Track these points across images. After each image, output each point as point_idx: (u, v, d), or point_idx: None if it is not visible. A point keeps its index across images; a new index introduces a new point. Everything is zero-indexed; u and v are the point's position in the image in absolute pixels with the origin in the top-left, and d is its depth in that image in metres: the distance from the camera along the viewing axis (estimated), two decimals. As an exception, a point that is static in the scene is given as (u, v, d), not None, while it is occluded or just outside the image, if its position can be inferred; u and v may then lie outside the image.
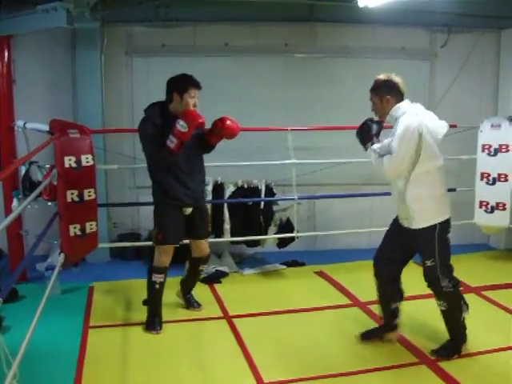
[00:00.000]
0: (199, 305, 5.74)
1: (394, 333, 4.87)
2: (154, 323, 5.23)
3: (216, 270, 6.84)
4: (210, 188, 6.88)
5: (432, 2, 6.89)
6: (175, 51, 7.59)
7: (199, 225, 5.32)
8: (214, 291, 6.26)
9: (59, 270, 5.19)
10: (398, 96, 4.47)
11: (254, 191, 6.93)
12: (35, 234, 5.89)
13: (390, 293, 4.80)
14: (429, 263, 4.45)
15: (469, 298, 5.81)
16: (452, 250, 7.53)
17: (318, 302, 5.83)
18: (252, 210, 6.90)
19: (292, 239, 6.97)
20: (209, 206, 6.85)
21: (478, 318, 5.25)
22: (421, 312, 5.49)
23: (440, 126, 4.45)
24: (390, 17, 7.30)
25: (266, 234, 6.94)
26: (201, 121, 4.69)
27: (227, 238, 6.84)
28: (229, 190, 6.90)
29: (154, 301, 5.30)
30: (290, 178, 6.69)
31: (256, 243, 7.04)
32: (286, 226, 6.96)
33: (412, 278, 6.15)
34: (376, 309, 5.21)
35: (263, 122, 7.07)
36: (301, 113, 7.62)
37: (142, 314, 5.50)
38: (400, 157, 4.19)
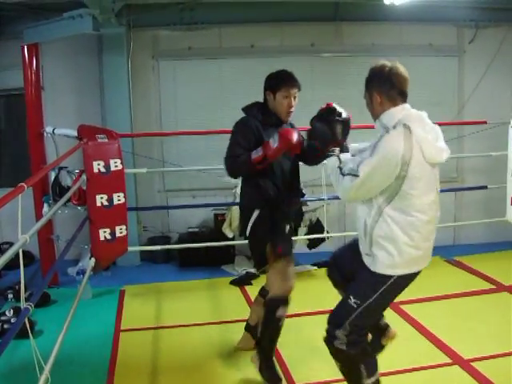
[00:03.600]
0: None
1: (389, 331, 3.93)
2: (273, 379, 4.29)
3: (246, 272, 6.84)
4: (239, 190, 6.86)
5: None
6: (201, 54, 7.62)
7: None
8: (244, 293, 6.25)
9: (90, 274, 5.22)
10: (394, 95, 3.27)
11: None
12: (66, 238, 5.93)
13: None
14: (351, 301, 3.36)
15: (502, 296, 5.81)
16: (484, 248, 7.55)
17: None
18: (281, 211, 6.86)
19: (322, 240, 6.93)
20: (237, 207, 6.86)
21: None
22: (454, 311, 5.43)
23: (440, 151, 3.24)
24: (416, 14, 7.27)
25: (295, 235, 6.91)
26: (294, 144, 3.96)
27: (257, 239, 6.81)
28: (258, 192, 6.87)
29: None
30: (319, 178, 6.65)
31: (286, 244, 6.99)
32: (316, 227, 6.91)
33: (444, 276, 6.13)
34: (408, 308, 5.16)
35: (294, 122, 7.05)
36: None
37: (172, 316, 5.52)
38: (364, 188, 3.16)
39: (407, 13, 7.05)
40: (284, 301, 4.16)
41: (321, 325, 5.27)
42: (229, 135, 6.35)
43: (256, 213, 4.20)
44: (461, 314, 5.40)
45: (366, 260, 3.36)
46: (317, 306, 5.71)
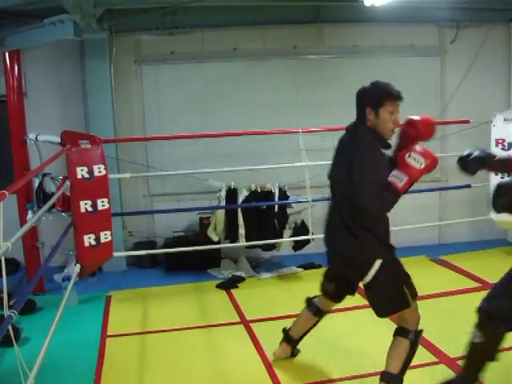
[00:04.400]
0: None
1: None
2: None
3: (233, 275, 6.84)
4: (223, 193, 6.87)
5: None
6: (184, 58, 7.60)
7: None
8: (231, 296, 6.26)
9: (76, 281, 5.21)
10: None
11: (267, 195, 6.90)
12: (51, 245, 5.91)
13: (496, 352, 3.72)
14: None
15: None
16: (469, 246, 7.60)
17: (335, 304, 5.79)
18: (266, 214, 6.86)
19: (307, 241, 6.93)
20: (223, 211, 6.86)
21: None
22: (440, 310, 5.45)
23: None
24: (398, 14, 7.27)
25: (281, 237, 6.91)
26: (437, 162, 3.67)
27: (242, 242, 6.82)
28: (242, 195, 6.86)
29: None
30: (303, 180, 6.65)
31: (271, 247, 7.00)
32: (301, 229, 6.91)
33: (430, 275, 6.13)
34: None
35: (274, 125, 7.06)
36: (312, 114, 7.60)
37: (159, 321, 5.51)
38: None
39: (389, 14, 7.06)
40: (420, 332, 4.00)
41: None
42: (213, 139, 6.36)
43: (379, 262, 3.75)
44: (447, 312, 5.43)
45: None
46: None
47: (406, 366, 3.91)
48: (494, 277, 6.22)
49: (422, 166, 3.55)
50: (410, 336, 3.89)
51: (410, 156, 3.58)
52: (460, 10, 7.63)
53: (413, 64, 7.91)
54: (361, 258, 3.79)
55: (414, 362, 4.33)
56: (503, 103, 7.93)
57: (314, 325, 4.59)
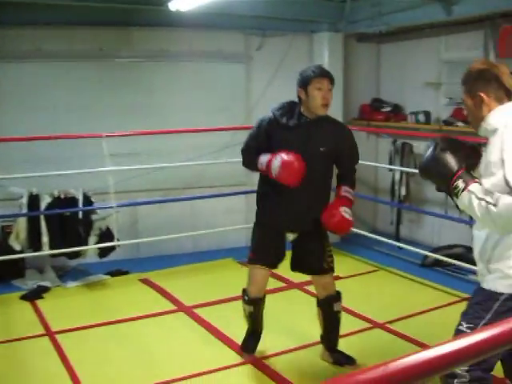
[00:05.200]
0: (354, 361, 4.55)
1: None
2: (245, 346, 4.74)
3: (38, 286, 6.54)
4: (24, 200, 6.56)
5: (243, 5, 6.96)
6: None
7: (309, 257, 4.43)
8: (35, 308, 5.96)
9: None
10: (500, 93, 2.87)
11: (71, 201, 6.68)
12: None
13: None
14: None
15: (293, 293, 6.02)
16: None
17: (143, 310, 5.75)
18: (70, 221, 6.64)
19: (112, 248, 6.81)
20: (25, 219, 6.55)
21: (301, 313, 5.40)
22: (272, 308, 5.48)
23: None
24: (205, 20, 7.32)
25: (86, 244, 6.71)
26: (292, 182, 4.03)
27: (46, 251, 6.55)
28: (45, 202, 6.59)
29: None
30: (109, 185, 6.52)
31: (77, 254, 6.76)
32: (107, 235, 6.76)
33: (236, 278, 6.19)
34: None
35: (79, 129, 6.84)
36: (118, 118, 7.41)
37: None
38: None
39: (197, 19, 7.08)
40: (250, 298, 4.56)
41: (117, 334, 5.24)
42: (15, 143, 6.10)
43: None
44: (277, 310, 5.49)
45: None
46: (111, 316, 5.64)
47: (249, 321, 4.66)
48: (302, 276, 6.46)
49: (274, 174, 4.07)
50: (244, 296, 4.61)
51: (276, 158, 4.05)
52: (265, 18, 7.83)
53: (220, 69, 8.01)
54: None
55: (222, 364, 4.45)
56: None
57: (321, 317, 4.62)
